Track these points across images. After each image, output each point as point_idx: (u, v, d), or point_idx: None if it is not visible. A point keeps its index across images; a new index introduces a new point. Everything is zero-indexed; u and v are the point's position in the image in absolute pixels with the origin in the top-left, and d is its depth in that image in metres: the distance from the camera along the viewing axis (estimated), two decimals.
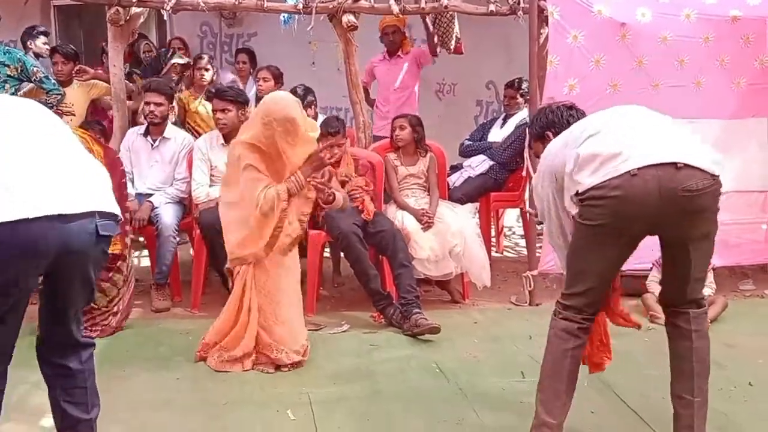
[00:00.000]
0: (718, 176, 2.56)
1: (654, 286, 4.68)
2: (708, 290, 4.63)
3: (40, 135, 2.40)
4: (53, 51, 6.11)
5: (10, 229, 2.16)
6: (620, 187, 2.50)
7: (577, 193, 2.60)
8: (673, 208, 2.53)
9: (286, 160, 3.87)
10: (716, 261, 4.79)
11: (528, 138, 3.25)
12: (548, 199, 2.82)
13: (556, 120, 3.04)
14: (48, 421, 2.79)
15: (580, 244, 2.69)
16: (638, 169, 2.50)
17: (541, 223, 3.07)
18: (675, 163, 2.50)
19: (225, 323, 3.85)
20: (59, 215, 2.24)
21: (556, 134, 2.94)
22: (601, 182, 2.53)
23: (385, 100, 6.25)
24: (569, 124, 2.92)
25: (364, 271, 4.43)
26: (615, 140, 2.59)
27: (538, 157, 3.04)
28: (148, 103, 4.94)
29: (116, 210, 2.46)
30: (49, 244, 2.25)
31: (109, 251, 3.00)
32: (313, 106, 5.88)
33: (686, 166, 2.51)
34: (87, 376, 2.56)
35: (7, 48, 5.63)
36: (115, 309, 4.25)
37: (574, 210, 2.67)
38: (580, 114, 3.04)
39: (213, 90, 5.07)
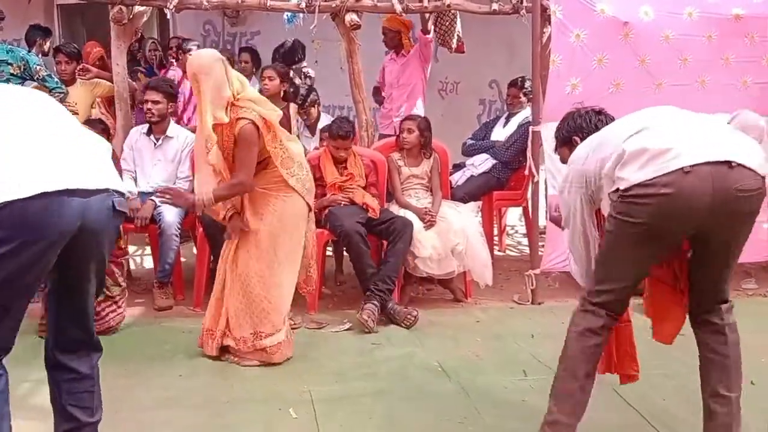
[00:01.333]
0: (764, 177, 2.48)
1: None
2: None
3: (49, 115, 2.41)
4: (57, 50, 6.12)
5: (34, 203, 2.13)
6: (672, 185, 2.39)
7: (617, 190, 2.50)
8: (725, 208, 2.44)
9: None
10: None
11: (554, 143, 3.13)
12: (575, 205, 2.73)
13: (584, 125, 2.95)
14: (51, 419, 2.79)
15: (618, 242, 2.57)
16: (692, 166, 2.38)
17: (563, 227, 2.94)
18: (729, 162, 2.40)
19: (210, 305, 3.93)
20: (81, 189, 2.23)
21: (583, 139, 2.86)
22: (650, 179, 2.41)
23: (389, 98, 6.28)
24: (597, 128, 2.86)
25: (363, 270, 4.50)
26: (664, 136, 2.49)
27: (565, 162, 2.98)
28: (146, 102, 4.95)
29: (124, 189, 2.46)
30: (73, 216, 2.22)
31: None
32: (316, 105, 5.90)
33: (739, 165, 2.41)
34: (96, 381, 2.55)
35: (10, 47, 5.65)
36: (120, 303, 4.28)
37: (608, 209, 2.58)
38: (608, 119, 2.95)
39: None
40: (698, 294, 2.76)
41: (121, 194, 2.42)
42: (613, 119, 2.93)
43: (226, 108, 3.60)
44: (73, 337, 2.49)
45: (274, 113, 3.75)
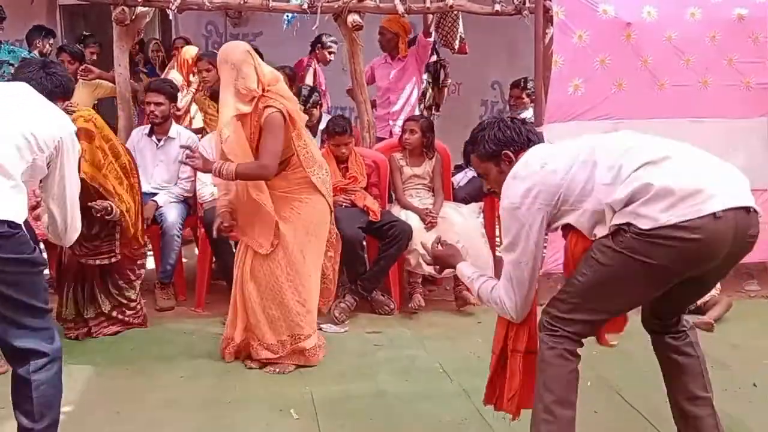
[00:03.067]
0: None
1: None
2: (713, 291, 4.62)
3: None
4: (60, 50, 6.13)
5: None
6: (701, 230, 2.26)
7: (629, 225, 2.31)
8: (735, 250, 2.39)
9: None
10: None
11: (470, 157, 2.78)
12: (531, 224, 2.47)
13: (515, 137, 2.64)
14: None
15: (615, 277, 2.38)
16: (723, 211, 2.28)
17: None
18: (748, 208, 2.35)
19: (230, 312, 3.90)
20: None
21: (516, 153, 2.62)
22: (680, 222, 2.26)
23: (386, 103, 6.17)
24: (530, 142, 2.64)
25: (354, 270, 4.63)
26: (692, 172, 2.35)
27: (486, 178, 2.76)
28: (148, 103, 4.95)
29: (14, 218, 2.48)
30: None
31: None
32: (318, 107, 5.89)
33: (755, 211, 2.37)
34: (34, 387, 2.53)
35: (11, 47, 5.66)
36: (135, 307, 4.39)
37: (601, 237, 2.40)
38: (534, 131, 2.73)
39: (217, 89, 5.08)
40: (665, 315, 2.67)
41: (12, 225, 2.44)
42: (536, 132, 2.73)
43: (253, 99, 3.60)
44: (3, 348, 2.58)
45: (301, 114, 3.80)
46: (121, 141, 4.54)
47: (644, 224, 2.29)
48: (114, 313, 4.29)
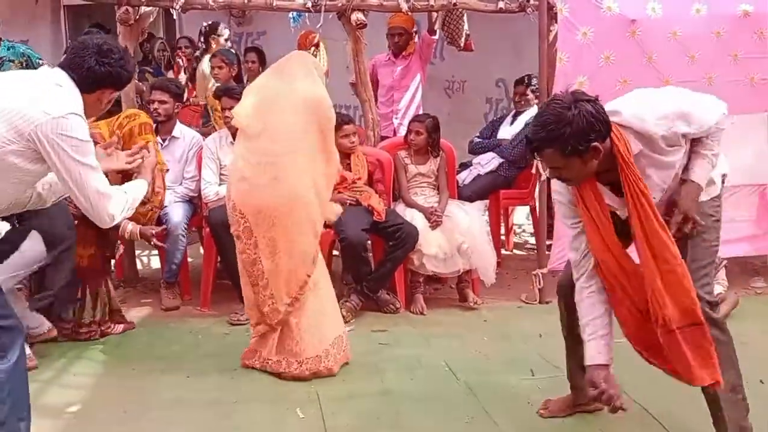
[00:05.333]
0: None
1: None
2: (719, 288, 4.61)
3: None
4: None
5: None
6: None
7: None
8: None
9: None
10: (727, 252, 4.77)
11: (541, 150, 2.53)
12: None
13: (602, 127, 2.46)
14: (63, 418, 2.81)
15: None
16: None
17: None
18: None
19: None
20: None
21: (603, 141, 2.47)
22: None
23: (389, 101, 6.15)
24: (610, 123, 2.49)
25: (358, 272, 4.65)
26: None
27: (562, 171, 2.56)
28: (153, 102, 4.96)
29: None
30: None
31: None
32: None
33: None
34: None
35: (10, 44, 5.64)
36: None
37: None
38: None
39: (222, 89, 5.09)
40: None
41: None
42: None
43: None
44: None
45: None
46: None
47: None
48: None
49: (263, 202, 3.59)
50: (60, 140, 2.52)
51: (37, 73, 2.67)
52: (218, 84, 5.87)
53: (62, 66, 2.68)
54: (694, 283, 2.56)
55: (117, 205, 2.72)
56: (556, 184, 2.72)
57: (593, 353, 2.66)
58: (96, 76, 2.69)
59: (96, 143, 2.89)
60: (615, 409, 2.59)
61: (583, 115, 2.42)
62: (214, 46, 6.70)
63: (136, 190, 2.91)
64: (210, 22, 6.94)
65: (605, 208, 2.61)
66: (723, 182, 2.81)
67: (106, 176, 2.74)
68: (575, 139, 2.41)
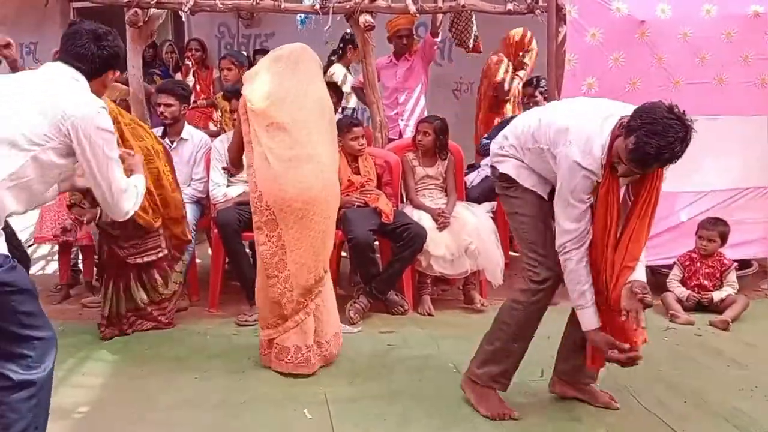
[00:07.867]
0: None
1: (674, 284, 4.64)
2: (730, 290, 4.59)
3: None
4: None
5: None
6: None
7: None
8: None
9: None
10: (734, 255, 4.76)
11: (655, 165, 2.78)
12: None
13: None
14: (73, 419, 2.81)
15: None
16: None
17: None
18: None
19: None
20: None
21: None
22: None
23: (393, 103, 6.14)
24: None
25: (367, 273, 4.63)
26: None
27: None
28: (159, 104, 4.97)
29: None
30: None
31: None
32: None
33: None
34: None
35: None
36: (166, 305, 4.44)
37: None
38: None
39: (232, 90, 5.11)
40: None
41: None
42: None
43: None
44: None
45: None
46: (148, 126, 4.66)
47: None
48: (149, 309, 4.34)
49: (294, 195, 3.62)
50: (96, 135, 2.56)
51: (52, 70, 2.67)
52: (227, 85, 5.88)
53: (65, 60, 2.69)
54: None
55: (130, 199, 2.80)
56: (591, 166, 2.85)
57: (594, 319, 3.00)
58: (101, 61, 2.72)
59: None
60: (634, 361, 2.95)
61: (690, 134, 2.72)
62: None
63: (141, 184, 2.96)
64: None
65: (620, 198, 2.95)
66: None
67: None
68: (683, 153, 2.72)
